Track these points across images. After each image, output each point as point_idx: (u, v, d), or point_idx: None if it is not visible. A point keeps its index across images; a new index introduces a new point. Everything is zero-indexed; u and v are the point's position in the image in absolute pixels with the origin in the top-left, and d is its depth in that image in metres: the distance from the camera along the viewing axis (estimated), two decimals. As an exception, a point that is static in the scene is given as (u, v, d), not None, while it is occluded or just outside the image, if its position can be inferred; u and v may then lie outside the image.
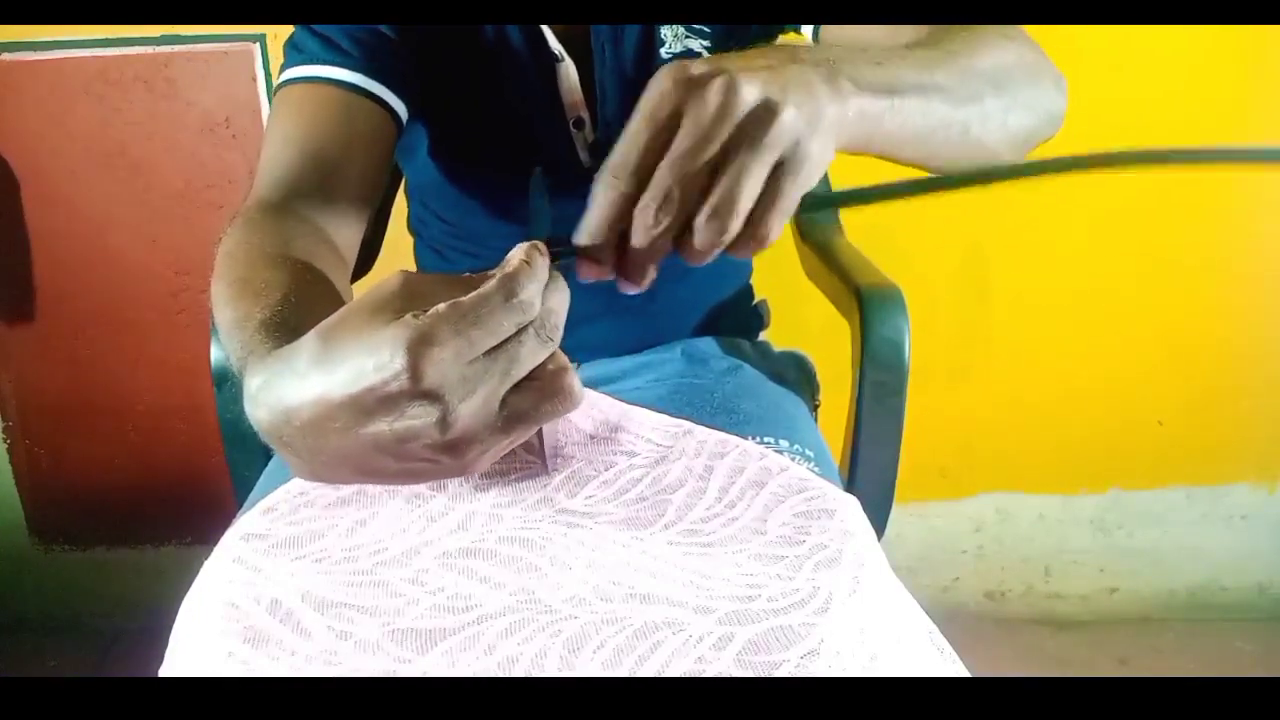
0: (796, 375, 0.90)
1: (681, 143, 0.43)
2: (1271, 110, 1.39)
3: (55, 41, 1.29)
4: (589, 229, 0.45)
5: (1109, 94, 1.37)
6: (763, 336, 0.97)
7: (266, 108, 1.34)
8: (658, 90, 0.44)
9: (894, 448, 0.84)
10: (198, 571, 0.52)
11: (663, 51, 0.77)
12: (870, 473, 0.84)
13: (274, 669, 0.43)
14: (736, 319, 0.94)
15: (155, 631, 0.51)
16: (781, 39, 0.83)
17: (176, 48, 1.31)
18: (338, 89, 0.70)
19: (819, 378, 0.93)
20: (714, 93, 0.43)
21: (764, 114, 0.43)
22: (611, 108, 0.78)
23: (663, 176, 0.43)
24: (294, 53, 0.73)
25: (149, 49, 1.30)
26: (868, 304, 0.83)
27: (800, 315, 1.06)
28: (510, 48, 0.77)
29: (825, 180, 0.89)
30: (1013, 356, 1.51)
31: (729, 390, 0.78)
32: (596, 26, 0.76)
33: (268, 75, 1.32)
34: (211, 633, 0.46)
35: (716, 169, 0.43)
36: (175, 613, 0.50)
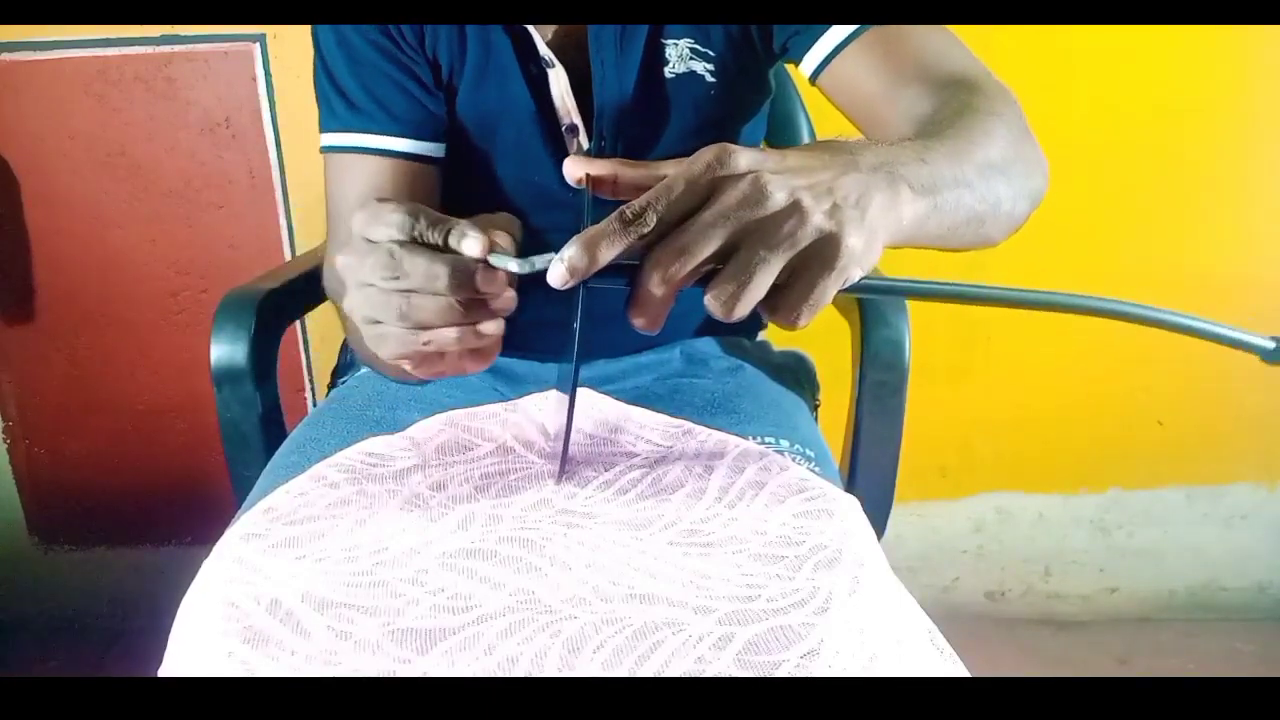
0: (796, 375, 0.90)
1: (706, 213, 0.45)
2: (1261, 104, 1.39)
3: (55, 41, 1.29)
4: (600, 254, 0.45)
5: (1107, 89, 1.37)
6: (763, 336, 0.96)
7: (267, 108, 1.34)
8: (703, 162, 0.45)
9: (894, 448, 0.84)
10: (198, 571, 0.52)
11: (666, 71, 0.76)
12: (870, 473, 0.84)
13: (274, 669, 0.43)
14: (736, 318, 0.93)
15: (155, 631, 0.51)
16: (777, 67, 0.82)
17: (176, 48, 1.31)
18: (381, 157, 0.77)
19: (819, 378, 0.93)
20: (745, 183, 0.45)
21: (790, 215, 0.44)
22: (608, 121, 0.77)
23: (682, 234, 0.45)
24: (327, 114, 0.78)
25: (149, 49, 1.30)
26: (868, 304, 0.83)
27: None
28: (499, 53, 0.76)
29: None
30: (1013, 356, 1.51)
31: (729, 390, 0.78)
32: (596, 38, 0.75)
33: (268, 75, 1.32)
34: (211, 633, 0.46)
35: (732, 253, 0.45)
36: (175, 613, 0.50)
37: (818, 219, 0.45)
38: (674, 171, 0.46)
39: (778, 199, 0.44)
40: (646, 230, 0.45)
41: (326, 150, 0.79)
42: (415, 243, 0.49)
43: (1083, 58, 1.35)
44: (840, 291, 0.48)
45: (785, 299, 0.46)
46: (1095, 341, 1.49)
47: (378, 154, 0.76)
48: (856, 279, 0.47)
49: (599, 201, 0.51)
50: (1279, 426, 1.53)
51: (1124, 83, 1.37)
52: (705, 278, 0.46)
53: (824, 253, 0.45)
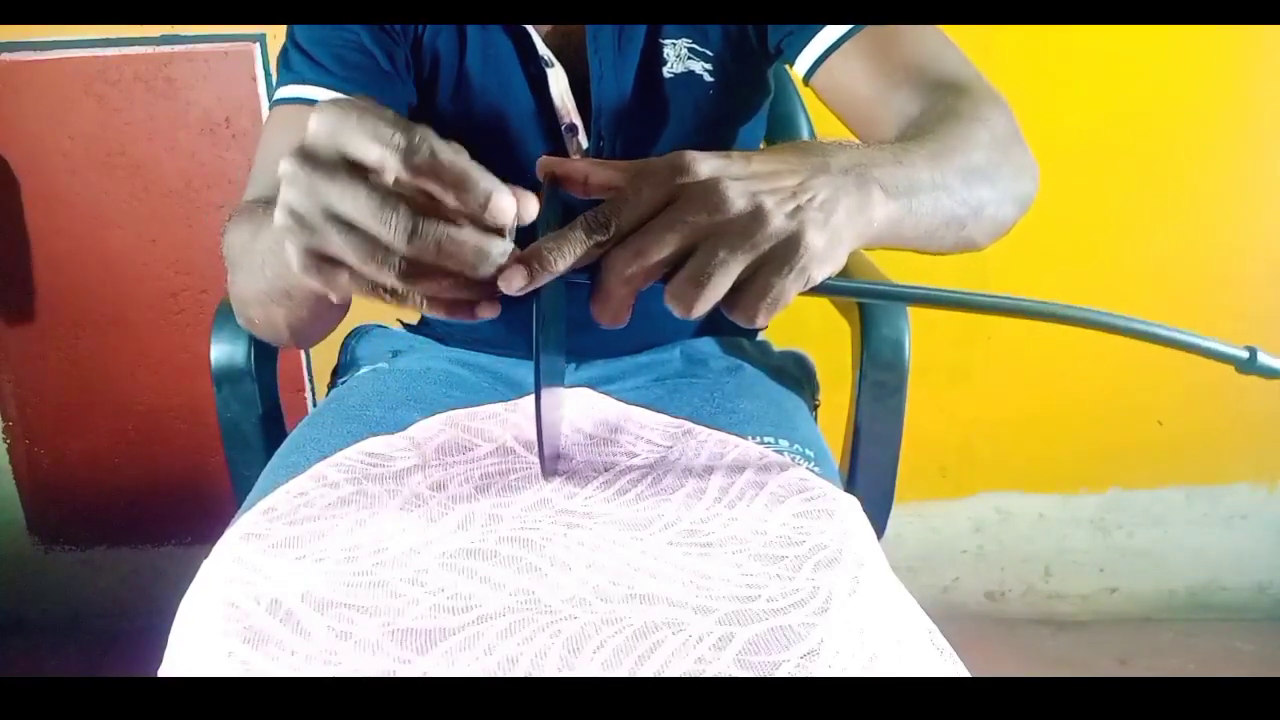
0: (796, 374, 0.90)
1: (662, 217, 0.45)
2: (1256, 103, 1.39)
3: (55, 41, 1.29)
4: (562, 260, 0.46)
5: (1107, 88, 1.37)
6: (762, 336, 0.96)
7: (267, 108, 1.33)
8: (664, 170, 0.45)
9: (894, 448, 0.84)
10: (198, 571, 0.52)
11: (665, 71, 0.76)
12: (870, 473, 0.84)
13: (274, 669, 0.43)
14: (736, 318, 0.93)
15: (155, 631, 0.51)
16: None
17: (176, 48, 1.31)
18: None
19: (819, 378, 0.93)
20: (704, 190, 0.45)
21: (750, 219, 0.44)
22: (607, 121, 0.77)
23: (638, 238, 0.45)
24: (284, 70, 0.75)
25: (149, 49, 1.30)
26: (868, 304, 0.83)
27: (800, 315, 1.06)
28: (499, 52, 0.76)
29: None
30: (1013, 356, 1.50)
31: (729, 390, 0.78)
32: (594, 38, 0.75)
33: (268, 75, 1.32)
34: (211, 633, 0.46)
35: (691, 253, 0.45)
36: (175, 613, 0.50)
37: (779, 221, 0.45)
38: (636, 179, 0.46)
39: (737, 205, 0.44)
40: (605, 239, 0.45)
41: (275, 104, 0.74)
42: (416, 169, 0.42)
43: (1082, 58, 1.35)
44: (804, 292, 0.48)
45: (744, 297, 0.46)
46: (1095, 342, 1.47)
47: (314, 104, 0.69)
48: (820, 279, 0.47)
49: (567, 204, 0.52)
50: (1279, 427, 1.53)
51: (1123, 84, 1.37)
52: (669, 275, 0.46)
53: (784, 252, 0.45)
